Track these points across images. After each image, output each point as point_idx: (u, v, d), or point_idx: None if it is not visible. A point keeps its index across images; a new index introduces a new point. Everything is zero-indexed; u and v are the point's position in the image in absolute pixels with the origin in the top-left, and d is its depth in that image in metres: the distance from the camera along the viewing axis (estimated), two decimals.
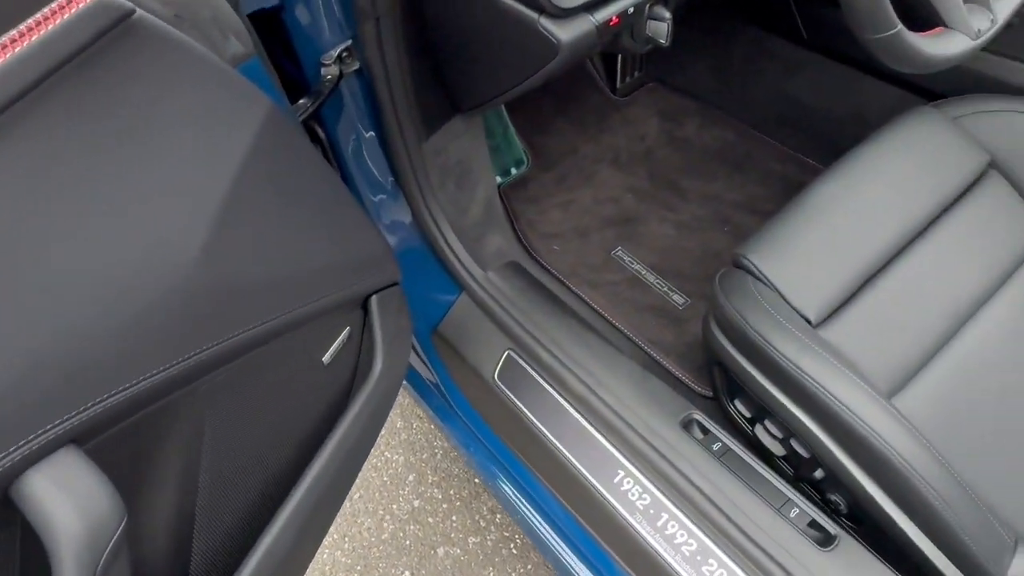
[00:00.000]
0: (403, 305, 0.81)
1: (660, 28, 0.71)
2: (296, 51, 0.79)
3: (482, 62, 0.78)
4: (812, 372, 0.76)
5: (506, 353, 0.97)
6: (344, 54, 0.80)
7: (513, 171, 1.37)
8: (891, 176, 0.93)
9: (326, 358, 0.72)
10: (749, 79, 1.44)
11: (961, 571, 0.76)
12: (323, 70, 0.78)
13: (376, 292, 0.76)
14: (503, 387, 0.96)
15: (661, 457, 0.83)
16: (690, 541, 0.79)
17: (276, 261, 0.57)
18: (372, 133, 0.94)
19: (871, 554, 0.73)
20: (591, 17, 0.68)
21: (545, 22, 0.66)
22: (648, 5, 0.72)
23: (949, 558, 0.76)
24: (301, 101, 0.77)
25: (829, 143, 1.32)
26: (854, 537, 0.80)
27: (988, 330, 0.87)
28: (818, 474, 0.85)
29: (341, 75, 0.79)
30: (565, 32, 0.66)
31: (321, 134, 0.89)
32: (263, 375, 0.64)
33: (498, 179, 1.34)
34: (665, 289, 1.20)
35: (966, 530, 0.73)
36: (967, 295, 0.88)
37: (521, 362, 0.96)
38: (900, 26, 0.61)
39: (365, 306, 0.77)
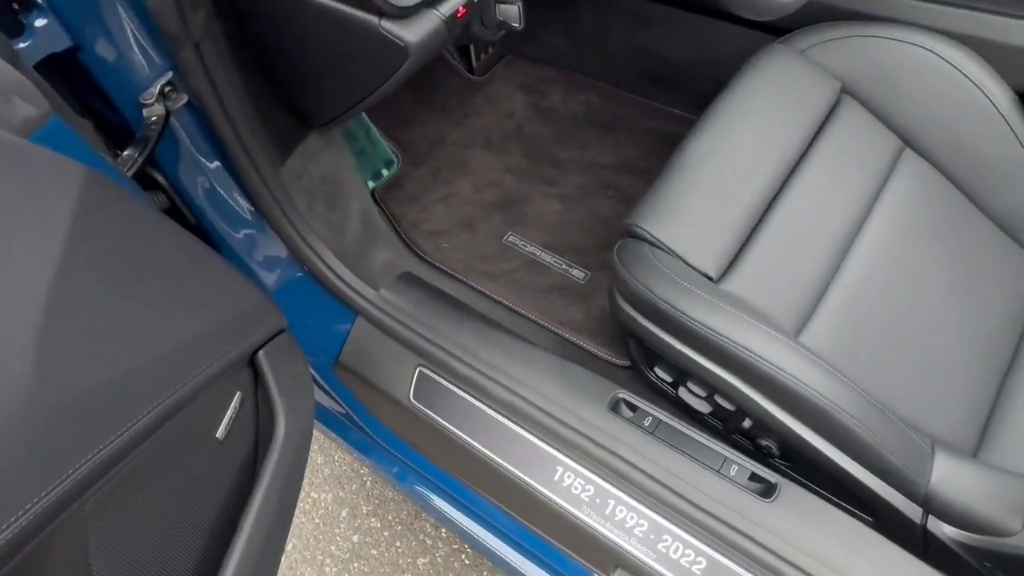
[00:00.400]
0: (295, 350, 0.74)
1: (511, 11, 0.67)
2: (108, 94, 0.69)
3: (327, 76, 0.71)
4: (723, 330, 0.76)
5: (417, 371, 0.92)
6: (167, 88, 0.70)
7: (384, 172, 1.30)
8: (757, 119, 0.94)
9: (220, 433, 0.64)
10: (602, 38, 1.43)
11: (890, 486, 0.79)
12: (145, 111, 0.68)
13: (262, 346, 0.69)
14: (421, 407, 0.91)
15: (596, 445, 0.81)
16: (641, 522, 0.79)
17: (131, 350, 0.49)
18: (219, 164, 0.85)
19: (810, 493, 0.75)
20: (436, 12, 0.62)
21: (387, 25, 0.60)
22: None
23: (878, 476, 0.79)
24: (126, 153, 0.67)
25: (691, 91, 1.34)
26: (792, 478, 0.82)
27: (869, 250, 0.90)
28: (746, 423, 0.86)
29: (168, 113, 0.70)
30: (411, 32, 0.61)
31: (163, 180, 0.79)
32: (151, 470, 0.56)
33: (370, 184, 1.27)
34: (563, 266, 1.18)
35: (887, 447, 0.76)
36: (846, 221, 0.91)
37: (435, 377, 0.91)
38: None
39: (253, 364, 0.70)
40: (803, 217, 0.90)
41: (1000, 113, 0.94)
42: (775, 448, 0.87)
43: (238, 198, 0.87)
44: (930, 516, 0.80)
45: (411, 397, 0.91)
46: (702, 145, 0.92)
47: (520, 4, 0.68)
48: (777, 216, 0.90)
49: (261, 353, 0.69)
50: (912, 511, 0.80)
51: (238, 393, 0.67)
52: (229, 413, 0.66)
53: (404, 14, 0.61)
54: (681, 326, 0.79)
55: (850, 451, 0.79)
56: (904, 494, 0.80)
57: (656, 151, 1.32)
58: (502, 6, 0.67)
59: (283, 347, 0.72)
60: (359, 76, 0.68)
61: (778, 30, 1.12)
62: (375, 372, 0.95)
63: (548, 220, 1.24)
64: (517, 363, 0.88)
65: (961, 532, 0.78)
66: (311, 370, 1.03)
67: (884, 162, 0.96)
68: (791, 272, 0.87)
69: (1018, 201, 0.97)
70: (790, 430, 0.81)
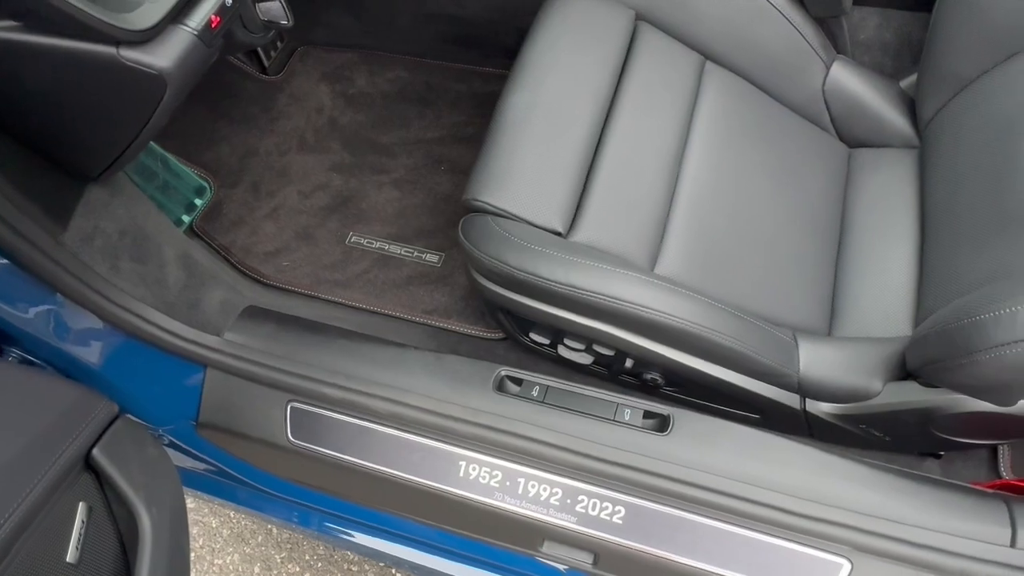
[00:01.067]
0: (139, 434, 0.66)
1: (273, 8, 0.60)
2: None
3: (82, 123, 0.61)
4: (584, 284, 0.76)
5: (289, 407, 0.85)
6: None
7: (198, 202, 1.19)
8: (564, 65, 0.93)
9: (71, 557, 0.55)
10: (389, 10, 1.36)
11: (768, 384, 0.84)
12: None
13: (95, 443, 0.60)
14: (303, 443, 0.84)
15: (491, 429, 0.79)
16: (554, 491, 0.78)
17: None
18: None
19: (701, 414, 0.78)
20: (185, 27, 0.54)
21: (129, 54, 0.52)
22: None
23: (755, 378, 0.83)
24: None
25: (497, 46, 1.31)
26: (684, 402, 0.85)
27: (697, 167, 0.93)
28: (628, 363, 0.88)
29: None
30: (161, 57, 0.53)
31: None
32: None
33: (185, 219, 1.15)
34: (416, 254, 1.14)
35: (757, 350, 0.80)
36: (670, 144, 0.93)
37: (309, 408, 0.85)
38: None
39: (91, 465, 0.61)
40: (631, 151, 0.91)
41: (776, 9, 0.99)
42: (660, 379, 0.89)
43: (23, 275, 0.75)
44: (807, 400, 0.85)
45: (289, 436, 0.84)
46: (518, 103, 0.90)
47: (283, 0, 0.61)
48: (607, 156, 0.90)
49: (96, 450, 0.60)
50: (791, 400, 0.86)
51: (81, 504, 0.58)
52: (76, 530, 0.57)
53: (146, 37, 0.52)
54: (544, 290, 0.78)
55: (726, 363, 0.82)
56: (781, 387, 0.85)
57: (479, 114, 1.29)
58: (263, 4, 0.60)
59: (123, 435, 0.63)
60: (118, 116, 0.59)
61: None
62: (244, 421, 0.87)
63: (388, 210, 1.18)
64: (391, 370, 0.83)
65: (835, 405, 0.85)
66: (172, 439, 0.93)
67: (691, 80, 0.99)
68: (633, 207, 0.88)
69: (811, 89, 1.04)
70: (668, 359, 0.83)
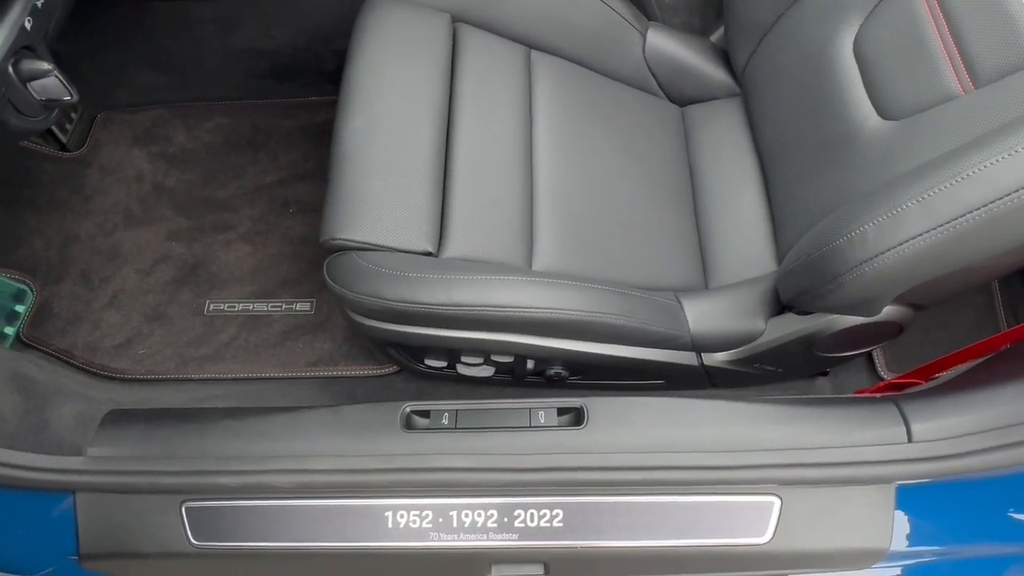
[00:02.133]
0: None
1: (51, 85, 0.53)
2: None
3: None
4: (468, 299, 0.73)
5: (183, 509, 0.77)
6: None
7: (20, 309, 1.05)
8: (394, 81, 0.90)
9: None
10: (193, 55, 1.26)
11: (665, 349, 0.86)
12: None
13: None
14: (211, 543, 0.76)
15: (409, 471, 0.75)
16: (490, 513, 0.76)
17: None
18: None
19: (612, 398, 0.78)
20: None
21: None
22: (13, 67, 0.51)
23: (652, 347, 0.85)
24: None
25: (317, 72, 1.25)
26: (594, 391, 0.85)
27: (548, 156, 0.93)
28: (530, 365, 0.87)
29: None
30: None
31: None
32: None
33: (8, 332, 1.01)
34: (284, 307, 1.07)
35: (647, 321, 0.81)
36: (517, 139, 0.92)
37: (207, 504, 0.77)
38: None
39: None
40: (480, 154, 0.90)
41: None
42: (564, 372, 0.89)
43: None
44: (702, 354, 0.88)
45: (192, 540, 0.76)
46: (354, 129, 0.86)
47: (57, 72, 0.53)
48: (458, 164, 0.88)
49: None
50: (689, 358, 0.88)
51: None
52: None
53: None
54: (428, 315, 0.75)
55: (621, 340, 0.83)
56: (676, 349, 0.87)
57: (315, 147, 1.23)
58: (37, 83, 0.52)
59: None
60: None
61: None
62: (135, 539, 0.77)
63: (243, 268, 1.10)
64: (286, 439, 0.77)
65: (728, 352, 0.88)
66: None
67: (521, 72, 0.99)
68: (496, 209, 0.87)
69: (633, 59, 1.07)
70: (566, 351, 0.82)
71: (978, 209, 0.57)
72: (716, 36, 1.10)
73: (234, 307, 1.07)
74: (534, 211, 0.89)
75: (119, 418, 0.80)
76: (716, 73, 1.08)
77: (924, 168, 0.64)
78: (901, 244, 0.61)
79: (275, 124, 1.25)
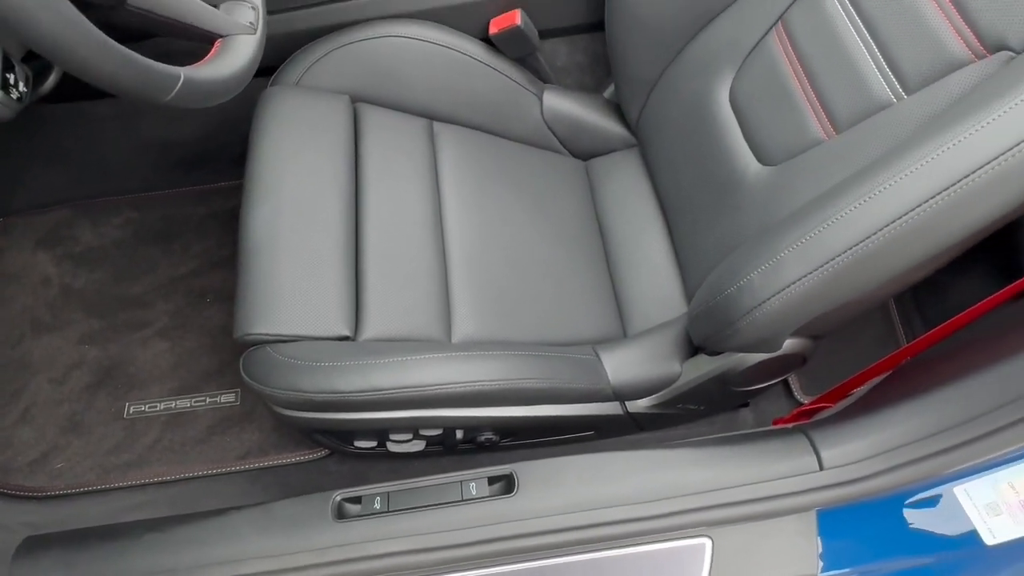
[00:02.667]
0: None
1: None
2: None
3: None
4: (387, 383, 0.74)
5: None
6: None
7: None
8: (297, 165, 0.91)
9: None
10: (97, 151, 1.25)
11: (589, 403, 0.88)
12: None
13: None
14: None
15: (344, 562, 0.74)
16: None
17: None
18: None
19: (543, 460, 0.79)
20: None
21: None
22: None
23: (577, 403, 0.87)
24: None
25: (223, 159, 1.25)
26: (527, 449, 0.86)
27: (459, 224, 0.95)
28: (459, 435, 0.87)
29: None
30: None
31: None
32: None
33: None
34: (208, 400, 1.04)
35: (568, 379, 0.84)
36: (427, 212, 0.94)
37: None
38: (182, 72, 0.55)
39: None
40: (391, 230, 0.91)
41: (479, 62, 1.05)
42: (494, 436, 0.90)
43: None
44: (626, 403, 0.91)
45: None
46: (260, 219, 0.87)
47: None
48: (369, 243, 0.89)
49: None
50: (613, 408, 0.90)
51: None
52: None
53: None
54: (351, 403, 0.75)
55: (546, 401, 0.85)
56: (600, 401, 0.89)
57: (228, 232, 1.22)
58: None
59: None
60: None
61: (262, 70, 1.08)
62: None
63: (162, 365, 1.08)
64: (218, 544, 0.75)
65: (650, 398, 0.91)
66: None
67: (425, 144, 1.02)
68: (411, 284, 0.88)
69: (533, 121, 1.11)
70: (493, 418, 0.84)
71: (845, 252, 0.62)
72: (608, 92, 1.16)
73: (155, 407, 1.04)
74: (449, 281, 0.91)
75: (35, 546, 0.77)
76: (612, 127, 1.13)
77: (799, 214, 0.68)
78: (783, 290, 0.65)
79: (186, 213, 1.24)
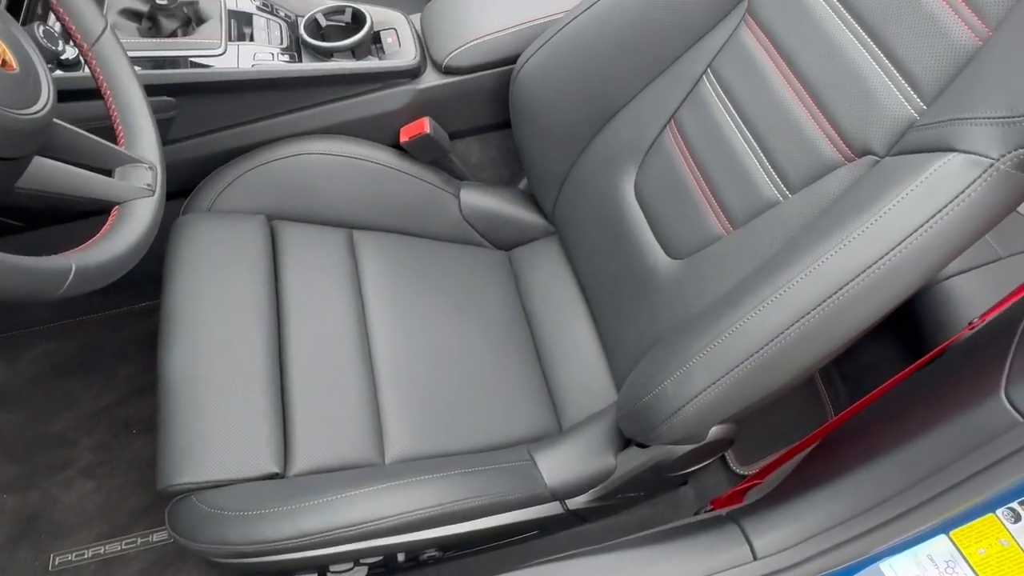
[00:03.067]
0: None
1: None
2: None
3: None
4: (316, 527, 0.73)
5: None
6: None
7: None
8: (214, 295, 0.90)
9: None
10: None
11: (529, 507, 0.88)
12: None
13: None
14: None
15: None
16: None
17: None
18: None
19: (489, 559, 0.78)
20: None
21: None
22: None
23: (517, 510, 0.87)
24: None
25: (139, 279, 1.21)
26: (473, 557, 0.85)
27: (385, 336, 0.96)
28: (401, 557, 0.86)
29: None
30: None
31: None
32: None
33: None
34: (140, 541, 1.00)
35: (504, 492, 0.83)
36: (352, 328, 0.94)
37: None
38: (73, 263, 0.54)
39: None
40: (316, 353, 0.91)
41: (391, 168, 1.07)
42: (437, 552, 0.89)
43: None
44: (565, 501, 0.91)
45: None
46: (178, 359, 0.85)
47: None
48: (294, 370, 0.88)
49: None
50: (554, 508, 0.91)
51: None
52: None
53: None
54: (285, 548, 0.74)
55: (484, 514, 0.84)
56: (541, 503, 0.89)
57: (153, 356, 1.18)
58: None
59: None
60: None
61: (173, 194, 1.07)
62: None
63: (88, 508, 1.03)
64: None
65: (588, 493, 0.92)
66: None
67: (345, 255, 1.02)
68: (340, 408, 0.87)
69: (452, 219, 1.13)
70: (432, 539, 0.83)
71: (747, 360, 0.64)
72: (524, 183, 1.19)
73: (83, 555, 0.99)
74: (379, 399, 0.90)
75: None
76: (531, 217, 1.16)
77: (705, 320, 0.71)
78: (695, 397, 0.67)
79: (105, 339, 1.20)
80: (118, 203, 0.62)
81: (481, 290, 1.09)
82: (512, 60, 1.04)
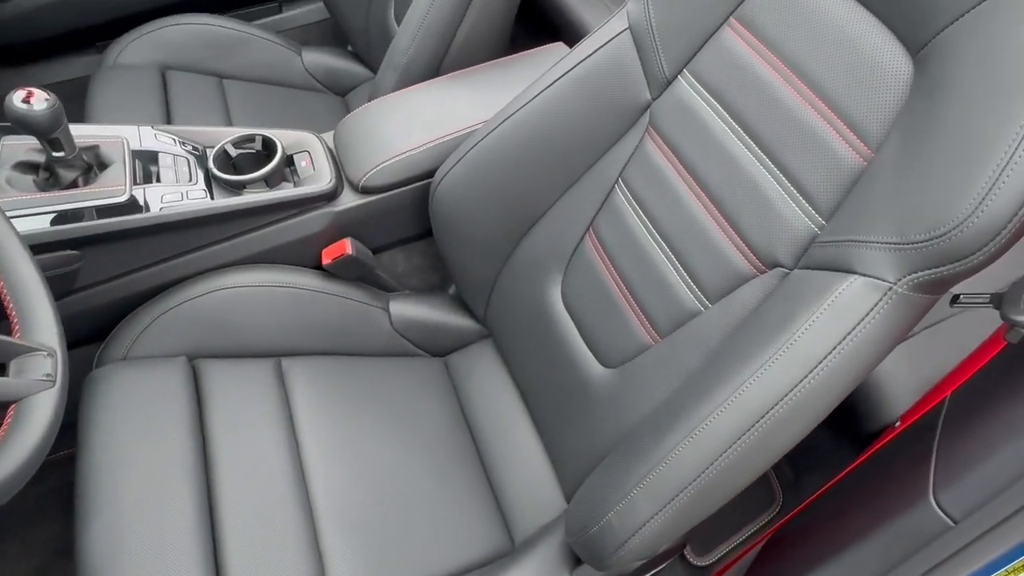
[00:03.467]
0: None
1: None
2: None
3: None
4: None
5: None
6: None
7: None
8: (132, 456, 0.85)
9: None
10: None
11: None
12: None
13: None
14: None
15: None
16: None
17: None
18: None
19: None
20: None
21: None
22: None
23: None
24: None
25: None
26: None
27: (323, 468, 0.92)
28: None
29: None
30: None
31: None
32: None
33: None
34: None
35: None
36: (285, 464, 0.90)
37: None
38: None
39: None
40: (250, 501, 0.87)
41: (315, 291, 1.05)
42: None
43: None
44: None
45: None
46: (97, 532, 0.80)
47: None
48: (228, 525, 0.84)
49: None
50: None
51: None
52: None
53: None
54: None
55: None
56: None
57: (71, 512, 1.11)
58: None
59: None
60: None
61: (83, 340, 1.02)
62: None
63: None
64: None
65: None
66: None
67: (274, 386, 0.99)
68: (279, 557, 0.83)
69: (384, 333, 1.11)
70: None
71: (687, 487, 0.65)
72: (454, 288, 1.18)
73: None
74: (320, 540, 0.87)
75: None
76: (464, 321, 1.15)
77: (643, 442, 0.71)
78: (640, 528, 0.67)
79: (19, 496, 1.11)
80: (14, 401, 0.58)
81: (419, 405, 1.07)
82: (430, 174, 1.05)
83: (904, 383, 0.91)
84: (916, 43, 0.61)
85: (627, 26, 0.86)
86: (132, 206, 0.91)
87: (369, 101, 1.16)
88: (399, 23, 1.38)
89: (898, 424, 0.74)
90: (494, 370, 1.11)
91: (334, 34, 1.77)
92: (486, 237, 1.01)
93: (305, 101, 1.58)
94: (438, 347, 1.16)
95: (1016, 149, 0.49)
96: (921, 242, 0.54)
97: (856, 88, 0.65)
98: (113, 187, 0.91)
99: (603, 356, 0.89)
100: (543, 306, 0.97)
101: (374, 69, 1.54)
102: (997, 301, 0.58)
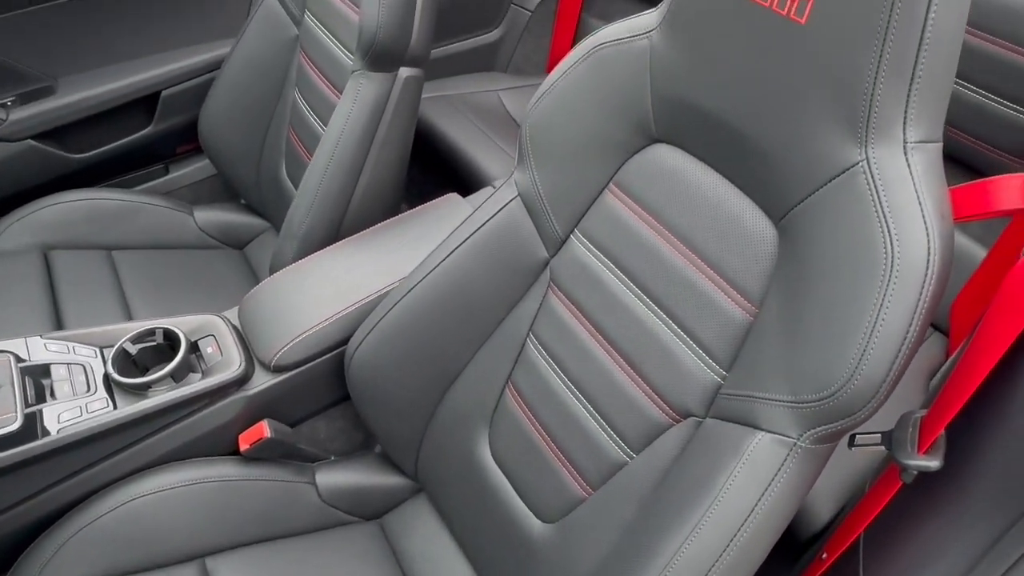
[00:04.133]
0: None
1: None
2: None
3: None
4: None
5: None
6: None
7: None
8: None
9: None
10: None
11: None
12: None
13: None
14: None
15: None
16: None
17: None
18: None
19: None
20: None
21: None
22: None
23: None
24: None
25: None
26: None
27: None
28: None
29: None
30: None
31: None
32: None
33: None
34: None
35: None
36: None
37: None
38: None
39: None
40: None
41: (235, 480, 1.01)
42: None
43: None
44: None
45: None
46: None
47: None
48: None
49: None
50: None
51: None
52: None
53: None
54: None
55: None
56: None
57: None
58: None
59: None
60: None
61: None
62: None
63: None
64: None
65: None
66: None
67: None
68: None
69: (313, 508, 1.07)
70: None
71: None
72: (380, 448, 1.16)
73: None
74: None
75: None
76: (395, 479, 1.13)
77: None
78: None
79: None
80: None
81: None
82: (343, 342, 1.05)
83: (823, 488, 0.96)
84: (776, 213, 0.68)
85: (516, 194, 0.91)
86: (26, 433, 0.85)
87: (270, 270, 1.16)
88: (291, 178, 1.40)
89: (825, 557, 0.78)
90: (432, 528, 1.09)
91: (225, 189, 1.77)
92: (407, 398, 1.01)
93: (202, 260, 1.55)
94: (371, 511, 1.12)
95: (876, 319, 0.56)
96: (813, 401, 0.60)
97: (729, 250, 0.72)
98: (2, 415, 0.85)
99: (540, 511, 0.89)
100: (473, 461, 0.97)
101: (270, 219, 1.54)
102: (887, 442, 0.63)
